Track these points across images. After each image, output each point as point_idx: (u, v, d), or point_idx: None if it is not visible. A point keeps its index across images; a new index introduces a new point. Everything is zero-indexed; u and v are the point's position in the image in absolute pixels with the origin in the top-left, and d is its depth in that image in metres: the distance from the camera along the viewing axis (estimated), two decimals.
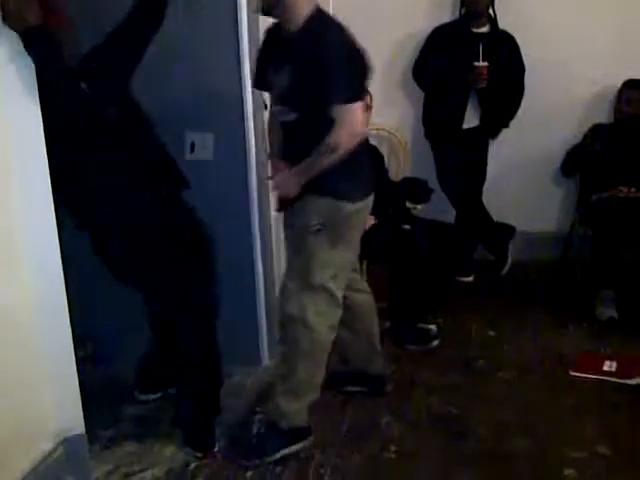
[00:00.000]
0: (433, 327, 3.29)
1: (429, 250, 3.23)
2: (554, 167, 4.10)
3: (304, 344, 2.35)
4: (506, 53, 3.79)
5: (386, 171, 3.68)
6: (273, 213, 3.17)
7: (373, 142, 3.83)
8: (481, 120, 3.85)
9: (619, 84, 3.89)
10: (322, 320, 2.34)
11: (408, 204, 3.62)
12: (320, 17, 2.23)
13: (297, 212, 2.31)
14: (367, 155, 2.43)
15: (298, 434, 2.42)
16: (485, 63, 3.63)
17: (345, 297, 2.46)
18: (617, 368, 2.95)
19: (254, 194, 2.88)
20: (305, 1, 2.19)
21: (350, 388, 2.81)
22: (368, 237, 3.27)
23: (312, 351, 2.37)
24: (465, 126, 3.84)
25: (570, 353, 3.10)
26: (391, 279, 3.31)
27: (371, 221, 3.32)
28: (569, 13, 3.97)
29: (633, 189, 3.67)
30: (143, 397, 2.78)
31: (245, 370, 2.97)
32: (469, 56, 3.66)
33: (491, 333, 3.34)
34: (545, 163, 4.15)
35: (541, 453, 2.39)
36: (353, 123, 2.18)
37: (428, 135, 4.00)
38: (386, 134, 4.17)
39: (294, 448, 2.40)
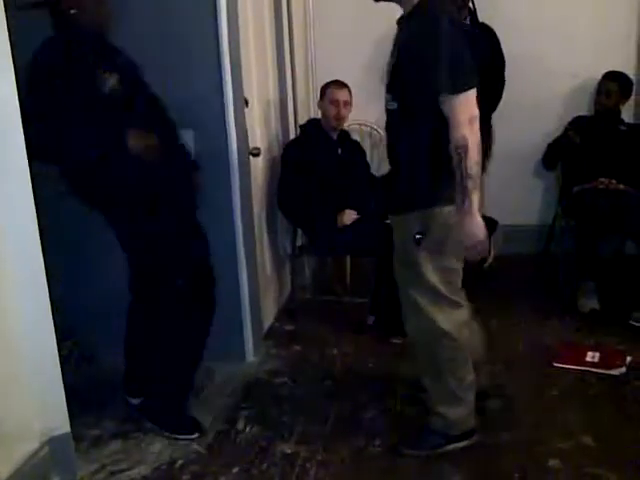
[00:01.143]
0: None
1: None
2: (536, 160, 4.13)
3: (444, 353, 2.25)
4: (486, 46, 3.79)
5: (368, 166, 3.69)
6: (256, 209, 3.18)
7: (355, 137, 3.85)
8: None
9: (599, 76, 3.91)
10: (452, 323, 2.22)
11: None
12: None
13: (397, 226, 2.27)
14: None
15: (464, 436, 2.37)
16: None
17: None
18: (600, 359, 2.98)
19: (236, 190, 2.88)
20: None
21: None
22: (351, 232, 3.32)
23: (454, 357, 2.27)
24: None
25: (553, 345, 3.13)
26: (375, 273, 3.31)
27: (353, 216, 3.34)
28: (549, 6, 4.00)
29: (614, 180, 3.71)
30: (134, 401, 2.75)
31: (230, 366, 2.97)
32: None
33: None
34: (527, 156, 4.17)
35: (526, 444, 2.40)
36: (469, 113, 1.97)
37: None
38: (368, 129, 4.18)
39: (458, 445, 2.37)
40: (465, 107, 1.96)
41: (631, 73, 3.93)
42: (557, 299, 3.62)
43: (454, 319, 2.23)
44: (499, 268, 3.93)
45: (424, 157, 2.08)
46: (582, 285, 3.52)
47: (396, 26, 2.19)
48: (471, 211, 2.00)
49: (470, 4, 3.84)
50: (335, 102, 3.42)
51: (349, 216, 3.34)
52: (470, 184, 1.97)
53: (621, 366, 2.91)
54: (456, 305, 2.24)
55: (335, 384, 2.89)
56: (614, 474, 2.23)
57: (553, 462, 2.31)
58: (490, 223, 3.92)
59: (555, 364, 2.97)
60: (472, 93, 1.97)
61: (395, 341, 3.18)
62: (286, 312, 3.62)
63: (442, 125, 1.99)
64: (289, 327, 3.47)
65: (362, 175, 3.56)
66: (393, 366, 3.00)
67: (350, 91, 3.46)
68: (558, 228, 3.96)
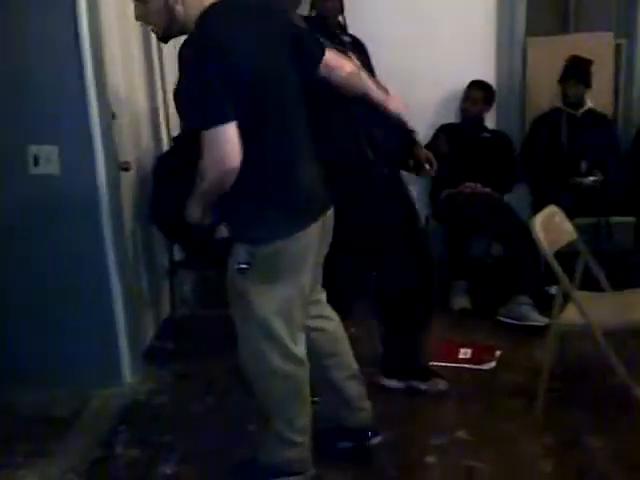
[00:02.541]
0: None
1: None
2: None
3: (274, 393, 2.09)
4: (356, 57, 3.87)
5: None
6: (129, 225, 3.10)
7: None
8: None
9: (463, 86, 4.10)
10: (285, 361, 2.04)
11: None
12: (206, 13, 1.84)
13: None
14: (306, 182, 2.00)
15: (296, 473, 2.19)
16: None
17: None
18: (472, 355, 3.12)
19: (106, 206, 2.79)
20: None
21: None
22: (229, 244, 3.29)
23: (284, 398, 2.09)
24: None
25: (428, 343, 3.23)
26: None
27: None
28: (415, 21, 4.13)
29: (479, 185, 3.90)
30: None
31: (106, 389, 2.87)
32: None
33: (352, 330, 3.39)
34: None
35: (403, 443, 2.46)
36: (214, 151, 1.77)
37: None
38: None
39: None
40: (210, 144, 1.76)
41: (491, 82, 4.14)
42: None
43: (289, 356, 2.03)
44: None
45: (242, 188, 1.87)
46: (454, 285, 3.67)
47: None
48: (194, 203, 1.97)
49: (340, 18, 3.93)
50: None
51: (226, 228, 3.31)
52: (197, 197, 1.95)
53: (491, 361, 3.07)
54: (292, 342, 2.04)
55: (218, 400, 2.85)
56: (488, 466, 2.33)
57: (430, 459, 2.38)
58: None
59: (431, 363, 3.07)
60: (221, 137, 1.74)
61: None
62: (166, 330, 3.54)
63: (257, 151, 1.83)
64: (169, 345, 3.38)
65: None
66: None
67: None
68: (429, 231, 4.10)
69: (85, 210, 2.75)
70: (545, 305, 3.25)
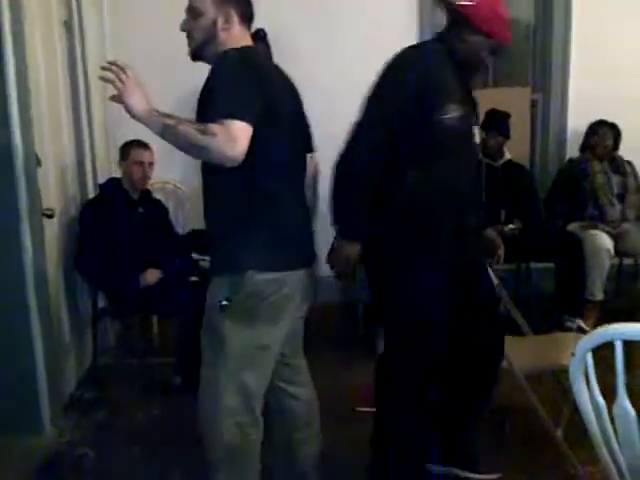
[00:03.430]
0: None
1: None
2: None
3: (223, 445, 1.99)
4: None
5: (171, 224, 3.67)
6: (52, 272, 3.03)
7: (158, 196, 3.82)
8: None
9: None
10: (243, 414, 1.96)
11: (196, 256, 3.63)
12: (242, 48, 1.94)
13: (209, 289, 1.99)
14: (296, 225, 2.00)
15: None
16: None
17: (279, 397, 2.15)
18: None
19: (28, 253, 2.72)
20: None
21: None
22: (155, 292, 3.26)
23: (232, 456, 1.99)
24: None
25: (355, 389, 3.25)
26: (180, 334, 3.25)
27: (157, 275, 3.30)
28: (337, 58, 4.25)
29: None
30: None
31: (25, 440, 2.75)
32: None
33: None
34: (324, 208, 4.34)
35: None
36: (232, 137, 1.73)
37: None
38: (172, 187, 4.18)
39: None
40: (226, 133, 1.73)
41: None
42: (360, 345, 3.79)
43: (249, 412, 1.97)
44: (306, 318, 4.07)
45: (230, 215, 1.92)
46: (379, 329, 3.71)
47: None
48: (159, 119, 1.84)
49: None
50: (139, 163, 3.40)
51: (152, 275, 3.29)
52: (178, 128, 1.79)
53: None
54: (257, 398, 1.99)
55: (143, 449, 2.77)
56: None
57: None
58: None
59: (358, 409, 3.08)
60: (239, 126, 1.74)
61: None
62: (89, 378, 3.44)
63: (250, 179, 1.85)
64: (92, 394, 3.28)
65: (165, 234, 3.54)
66: None
67: (152, 151, 3.45)
68: (358, 277, 4.16)
69: (7, 256, 2.69)
70: None
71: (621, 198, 4.18)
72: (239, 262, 1.88)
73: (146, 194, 3.53)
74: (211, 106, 1.78)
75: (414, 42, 4.27)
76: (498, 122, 4.03)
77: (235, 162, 1.75)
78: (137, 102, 1.84)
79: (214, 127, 1.73)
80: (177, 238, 3.57)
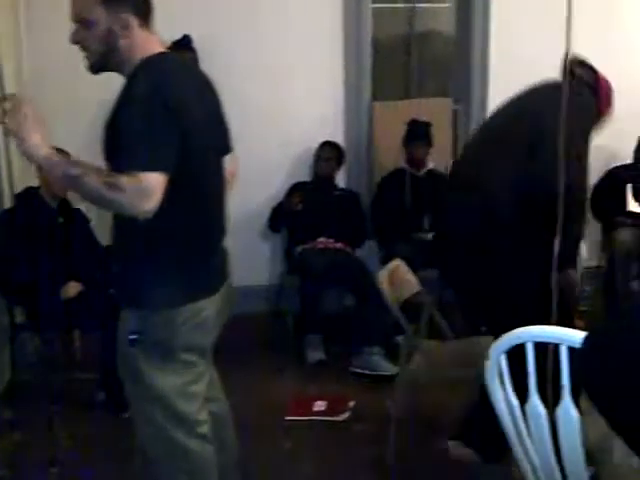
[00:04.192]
0: None
1: None
2: (263, 222, 4.33)
3: (178, 473, 1.94)
4: None
5: (92, 234, 3.57)
6: None
7: (78, 205, 3.70)
8: None
9: (315, 145, 4.26)
10: (187, 438, 1.91)
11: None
12: (153, 60, 1.78)
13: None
14: (208, 252, 1.92)
15: None
16: None
17: None
18: (327, 407, 3.16)
19: None
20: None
21: None
22: (76, 305, 3.17)
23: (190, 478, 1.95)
24: None
25: (285, 399, 3.24)
26: (103, 348, 3.15)
27: (78, 288, 3.21)
28: (264, 83, 4.27)
29: (332, 240, 4.03)
30: None
31: None
32: None
33: None
34: (254, 220, 4.35)
35: None
36: (144, 193, 1.62)
37: None
38: None
39: None
40: (139, 188, 1.61)
41: (340, 143, 4.34)
42: (289, 354, 3.78)
43: (195, 434, 1.92)
44: (233, 328, 4.01)
45: (135, 251, 1.82)
46: (308, 338, 3.73)
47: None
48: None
49: None
50: None
51: (73, 288, 3.20)
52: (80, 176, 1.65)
53: (345, 411, 3.12)
54: (197, 419, 1.93)
55: (63, 470, 2.68)
56: None
57: None
58: None
59: (287, 418, 3.08)
60: (154, 178, 1.62)
61: (127, 416, 3.06)
62: (6, 396, 3.31)
63: (159, 216, 1.68)
64: (8, 414, 3.15)
65: (85, 244, 3.44)
66: (126, 442, 2.87)
67: (72, 157, 3.35)
68: (286, 286, 4.17)
69: None
70: (396, 355, 3.39)
71: None
72: (149, 298, 1.79)
73: (65, 203, 3.43)
74: (123, 152, 1.66)
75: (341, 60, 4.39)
76: (420, 131, 4.11)
77: (148, 215, 1.64)
78: (36, 145, 1.67)
79: (124, 181, 1.60)
80: (99, 249, 3.48)
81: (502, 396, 1.50)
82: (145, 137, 1.66)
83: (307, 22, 4.30)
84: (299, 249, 4.02)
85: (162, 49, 1.84)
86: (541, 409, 1.44)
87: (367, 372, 3.47)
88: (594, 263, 4.39)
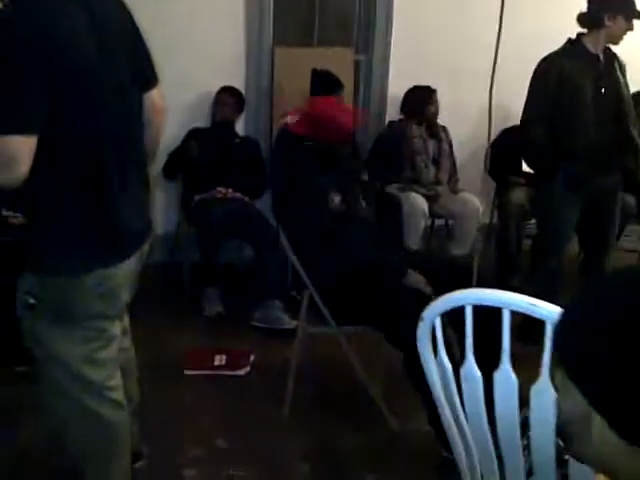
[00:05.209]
0: None
1: None
2: (157, 170, 4.11)
3: (85, 440, 1.87)
4: None
5: None
6: None
7: None
8: None
9: (215, 90, 4.08)
10: (96, 402, 1.81)
11: (5, 212, 3.26)
12: None
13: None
14: (124, 208, 1.70)
15: None
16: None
17: None
18: (227, 361, 3.09)
19: None
20: None
21: None
22: None
23: (98, 445, 1.88)
24: None
25: (184, 353, 3.14)
26: None
27: None
28: (163, 25, 4.01)
29: (230, 190, 3.89)
30: None
31: None
32: None
33: None
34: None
35: (162, 458, 2.35)
36: (10, 159, 1.47)
37: None
38: None
39: None
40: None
41: (241, 89, 4.18)
42: (186, 306, 3.66)
43: (104, 398, 1.83)
44: None
45: (39, 210, 1.66)
46: (206, 291, 3.62)
47: None
48: None
49: None
50: None
51: None
52: None
53: (246, 365, 3.07)
54: (107, 384, 1.83)
55: None
56: (249, 472, 2.34)
57: (189, 472, 2.31)
58: None
59: (186, 372, 2.99)
60: (18, 142, 1.47)
61: (20, 369, 2.85)
62: None
63: (58, 168, 1.58)
64: None
65: None
66: (20, 395, 2.67)
67: None
68: (182, 236, 4.01)
69: None
70: (295, 309, 3.36)
71: (436, 162, 4.39)
72: (48, 262, 1.65)
73: None
74: None
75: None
76: (328, 81, 4.00)
77: (19, 182, 1.49)
78: None
79: None
80: None
81: (432, 358, 1.49)
82: (5, 89, 1.47)
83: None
84: (196, 198, 3.86)
85: None
86: (477, 372, 1.44)
87: (267, 326, 3.42)
88: (487, 220, 4.54)
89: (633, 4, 3.09)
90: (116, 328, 1.85)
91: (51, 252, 1.66)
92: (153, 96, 1.86)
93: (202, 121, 4.16)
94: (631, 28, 3.08)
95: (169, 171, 4.05)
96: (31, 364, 1.88)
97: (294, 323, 3.23)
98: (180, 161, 3.99)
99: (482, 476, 1.57)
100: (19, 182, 1.50)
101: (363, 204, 3.04)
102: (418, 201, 4.12)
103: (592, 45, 3.11)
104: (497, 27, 2.31)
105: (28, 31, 1.48)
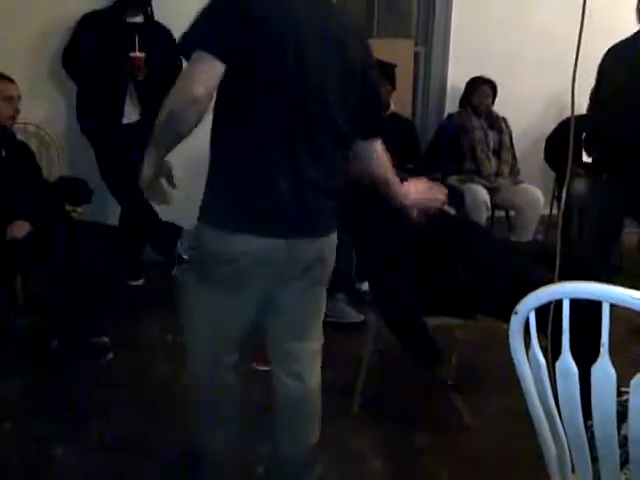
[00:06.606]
0: (106, 339, 3.02)
1: (93, 255, 2.96)
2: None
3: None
4: (163, 45, 3.68)
5: (39, 170, 3.30)
6: None
7: (20, 137, 3.42)
8: (141, 115, 3.68)
9: None
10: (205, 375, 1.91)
11: (67, 207, 3.32)
12: None
13: None
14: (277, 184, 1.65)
15: None
16: (142, 54, 3.48)
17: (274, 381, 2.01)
18: None
19: None
20: None
21: None
22: (23, 246, 2.92)
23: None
24: (125, 121, 3.64)
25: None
26: (50, 291, 2.95)
27: (26, 227, 2.95)
28: None
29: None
30: None
31: None
32: (124, 46, 3.48)
33: (169, 337, 3.20)
34: (206, 157, 4.14)
35: (234, 454, 2.33)
36: (187, 76, 1.57)
37: (85, 131, 3.70)
38: (34, 129, 3.77)
39: None
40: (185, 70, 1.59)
41: None
42: None
43: (216, 363, 1.89)
44: None
45: (213, 158, 1.73)
46: None
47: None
48: (148, 152, 1.71)
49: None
50: (9, 99, 3.05)
51: (20, 228, 2.93)
52: (155, 139, 1.68)
53: None
54: (219, 354, 1.88)
55: (15, 425, 2.48)
56: (320, 467, 2.29)
57: (260, 469, 2.28)
58: (174, 229, 3.87)
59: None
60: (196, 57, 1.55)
61: (84, 364, 2.89)
62: None
63: (225, 120, 1.66)
64: None
65: (32, 181, 3.17)
66: (86, 391, 2.71)
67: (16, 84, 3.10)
68: None
69: None
70: (360, 302, 3.34)
71: (496, 154, 4.30)
72: (207, 214, 1.70)
73: (9, 136, 3.13)
74: (182, 39, 1.59)
75: None
76: (386, 72, 3.95)
77: (205, 98, 1.53)
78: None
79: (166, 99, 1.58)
80: (47, 186, 3.22)
81: (524, 352, 1.44)
82: (197, 19, 1.57)
83: None
84: None
85: None
86: (574, 366, 1.38)
87: (334, 320, 3.38)
88: (547, 212, 4.45)
89: None
90: (249, 301, 1.79)
91: (209, 201, 1.71)
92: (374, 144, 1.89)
93: None
94: None
95: None
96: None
97: (361, 317, 3.20)
98: None
99: (572, 468, 1.52)
100: (194, 107, 1.54)
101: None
102: (480, 193, 4.06)
103: None
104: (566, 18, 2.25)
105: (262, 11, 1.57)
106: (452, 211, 2.95)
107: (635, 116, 2.98)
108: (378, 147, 1.90)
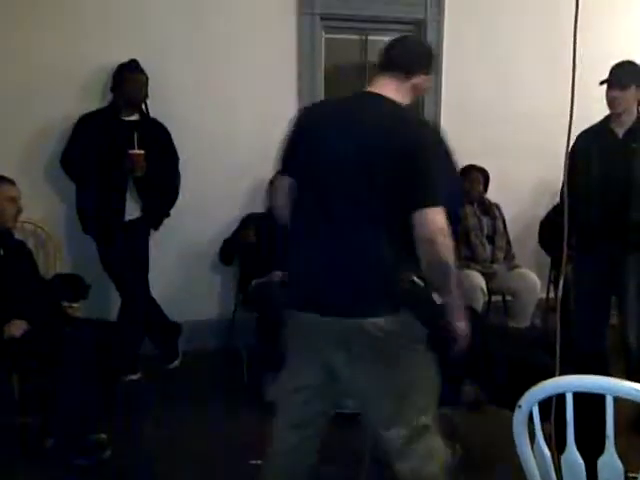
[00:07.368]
0: (104, 436, 2.96)
1: (91, 353, 2.94)
2: (214, 255, 4.16)
3: None
4: (159, 141, 3.78)
5: (37, 268, 3.32)
6: None
7: (18, 237, 3.45)
8: (142, 211, 3.75)
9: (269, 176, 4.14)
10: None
11: (64, 303, 3.32)
12: None
13: None
14: (303, 262, 2.04)
15: None
16: (141, 151, 3.57)
17: None
18: None
19: None
20: None
21: None
22: (20, 345, 2.90)
23: None
24: (127, 218, 3.70)
25: (246, 440, 3.06)
26: (48, 389, 2.91)
27: (23, 326, 2.94)
28: (212, 113, 4.15)
29: (286, 273, 3.89)
30: None
31: None
32: (123, 144, 3.57)
33: (165, 432, 3.14)
34: (205, 251, 4.19)
35: None
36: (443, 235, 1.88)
37: (87, 229, 3.75)
38: (31, 227, 3.81)
39: None
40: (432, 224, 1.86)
41: None
42: (245, 392, 3.61)
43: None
44: (185, 365, 3.85)
45: None
46: (268, 375, 3.56)
47: None
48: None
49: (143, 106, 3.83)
50: (12, 200, 3.12)
51: (18, 327, 2.92)
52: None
53: None
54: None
55: None
56: None
57: None
58: (174, 327, 3.87)
59: (251, 462, 2.90)
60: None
61: (81, 462, 2.82)
62: None
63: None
64: None
65: (30, 279, 3.18)
66: None
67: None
68: (239, 321, 4.01)
69: None
70: None
71: (490, 239, 4.36)
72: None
73: (7, 235, 3.16)
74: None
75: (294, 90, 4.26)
76: None
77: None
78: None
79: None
80: (44, 284, 3.22)
81: (529, 446, 1.43)
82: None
83: (260, 54, 4.22)
84: (254, 283, 3.86)
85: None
86: (579, 459, 1.37)
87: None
88: (544, 295, 4.46)
89: None
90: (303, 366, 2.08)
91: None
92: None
93: (257, 207, 4.21)
94: None
95: (225, 257, 4.10)
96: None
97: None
98: (236, 246, 4.03)
99: None
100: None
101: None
102: (475, 278, 4.08)
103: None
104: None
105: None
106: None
107: (608, 201, 3.13)
108: (417, 216, 1.88)
